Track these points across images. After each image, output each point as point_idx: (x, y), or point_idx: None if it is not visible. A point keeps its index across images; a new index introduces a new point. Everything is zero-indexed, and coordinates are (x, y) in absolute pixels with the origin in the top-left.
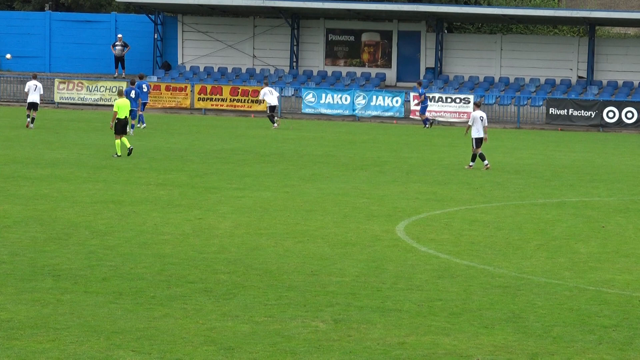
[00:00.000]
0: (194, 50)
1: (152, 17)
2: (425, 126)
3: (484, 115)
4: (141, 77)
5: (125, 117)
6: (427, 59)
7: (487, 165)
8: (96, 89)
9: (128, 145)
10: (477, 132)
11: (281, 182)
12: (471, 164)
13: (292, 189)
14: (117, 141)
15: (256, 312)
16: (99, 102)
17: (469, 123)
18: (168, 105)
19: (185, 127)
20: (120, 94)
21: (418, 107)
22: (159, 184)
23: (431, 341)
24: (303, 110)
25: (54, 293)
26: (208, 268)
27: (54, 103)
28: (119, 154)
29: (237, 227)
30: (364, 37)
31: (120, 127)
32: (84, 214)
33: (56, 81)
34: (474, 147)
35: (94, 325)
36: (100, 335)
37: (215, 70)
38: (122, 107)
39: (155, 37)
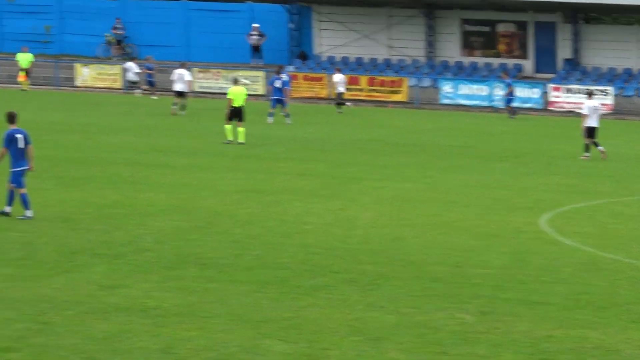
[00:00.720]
0: (329, 40)
1: (287, 6)
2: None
3: (598, 105)
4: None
5: (241, 105)
6: (564, 50)
7: (602, 151)
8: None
9: (240, 139)
10: (592, 121)
11: (421, 173)
12: (586, 154)
13: (432, 180)
14: (228, 126)
15: (401, 303)
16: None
17: (585, 112)
18: (306, 95)
19: (323, 117)
20: (235, 81)
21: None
22: (299, 173)
23: (579, 335)
24: (441, 101)
25: (200, 281)
26: (352, 258)
27: (193, 92)
28: (230, 138)
29: (379, 218)
30: (499, 28)
31: (233, 114)
32: (227, 203)
33: (195, 70)
34: (587, 136)
35: (241, 314)
36: (247, 324)
37: (352, 60)
38: (237, 95)
39: (291, 26)
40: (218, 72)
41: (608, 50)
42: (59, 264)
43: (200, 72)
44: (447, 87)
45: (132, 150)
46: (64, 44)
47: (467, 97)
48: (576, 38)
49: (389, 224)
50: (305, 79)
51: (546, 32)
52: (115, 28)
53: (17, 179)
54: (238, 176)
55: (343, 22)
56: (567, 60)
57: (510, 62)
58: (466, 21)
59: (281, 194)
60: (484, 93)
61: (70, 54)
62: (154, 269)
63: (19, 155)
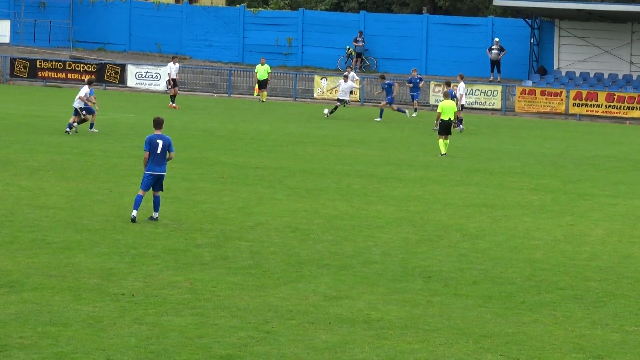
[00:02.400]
0: (570, 55)
1: (529, 21)
2: None
3: None
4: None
5: (450, 118)
6: None
7: None
8: (471, 92)
9: (443, 151)
10: None
11: None
12: None
13: None
14: (441, 141)
15: (627, 321)
16: (474, 106)
17: None
18: (542, 110)
19: (559, 133)
20: (445, 95)
21: None
22: (531, 188)
23: None
24: None
25: (424, 294)
26: (578, 275)
27: (429, 105)
28: (443, 152)
29: (609, 235)
30: None
31: (444, 128)
32: (456, 217)
33: (432, 84)
34: None
35: (463, 327)
36: (469, 338)
37: (591, 75)
38: (446, 108)
39: (532, 41)
40: (455, 85)
41: None
42: (285, 274)
43: (436, 85)
44: None
45: (366, 162)
46: (305, 56)
47: None
48: None
49: (619, 241)
50: (542, 94)
51: None
52: (356, 41)
53: (144, 182)
54: (470, 190)
55: (584, 38)
56: None
57: None
58: None
59: (511, 208)
60: None
61: (310, 65)
62: (379, 281)
63: (156, 160)
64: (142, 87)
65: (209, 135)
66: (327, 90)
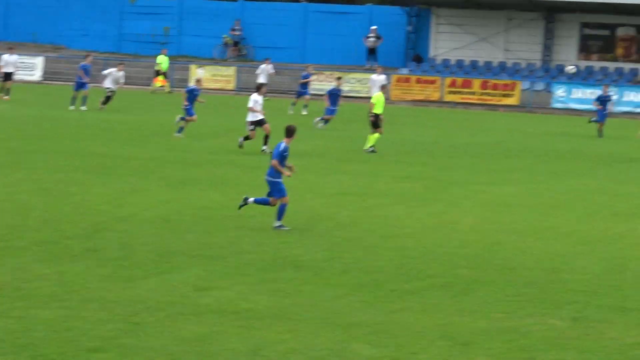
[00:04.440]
0: (446, 43)
1: (406, 9)
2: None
3: None
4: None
5: (379, 112)
6: None
7: None
8: (348, 80)
9: (370, 144)
10: None
11: (526, 177)
12: None
13: (537, 184)
14: (374, 135)
15: (493, 308)
16: (350, 94)
17: None
18: (417, 98)
19: (434, 121)
20: (382, 88)
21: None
22: (404, 176)
23: None
24: (553, 105)
25: (295, 284)
26: (448, 263)
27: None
28: (367, 146)
29: (480, 222)
30: (619, 32)
31: (374, 121)
32: (328, 206)
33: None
34: None
35: (332, 316)
36: (338, 327)
37: (467, 63)
38: (378, 101)
39: (408, 29)
40: (332, 74)
41: None
42: (156, 265)
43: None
44: (559, 91)
45: (241, 152)
46: (182, 46)
47: (580, 101)
48: None
49: (489, 228)
50: (418, 81)
51: None
52: (233, 29)
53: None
54: (342, 178)
55: (461, 25)
56: None
57: (627, 66)
58: (586, 25)
59: (383, 197)
60: None
61: (188, 55)
62: (250, 271)
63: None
64: (16, 77)
65: (81, 125)
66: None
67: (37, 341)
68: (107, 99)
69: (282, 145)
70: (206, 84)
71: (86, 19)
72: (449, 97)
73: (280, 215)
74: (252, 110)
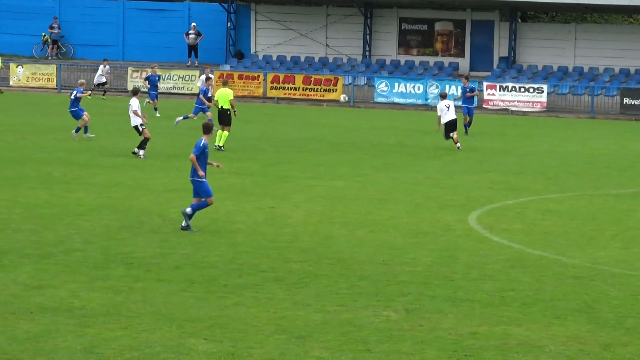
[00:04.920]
0: (267, 39)
1: (226, 5)
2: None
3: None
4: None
5: (222, 106)
6: (500, 49)
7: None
8: (169, 77)
9: (220, 143)
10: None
11: (354, 171)
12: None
13: (365, 178)
14: (219, 132)
15: (328, 301)
16: (172, 91)
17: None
18: (241, 94)
19: (258, 116)
20: (224, 83)
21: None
22: (232, 172)
23: (503, 331)
24: (376, 100)
25: (127, 281)
26: (280, 257)
27: (127, 92)
28: (216, 144)
29: (310, 216)
30: (437, 27)
31: (221, 117)
32: (158, 202)
33: (129, 69)
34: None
35: (166, 313)
36: (172, 324)
37: (288, 59)
38: (221, 96)
39: (229, 25)
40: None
41: (544, 48)
42: None
43: (134, 71)
44: (382, 86)
45: (66, 150)
46: (0, 44)
47: (402, 95)
48: (513, 36)
49: (320, 222)
50: (240, 77)
51: (483, 30)
52: (51, 27)
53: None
54: (170, 175)
55: (281, 21)
56: (502, 59)
57: (447, 60)
58: (404, 20)
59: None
60: (419, 91)
61: (6, 53)
62: (81, 269)
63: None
64: None
65: None
66: None
67: None
68: None
69: (203, 142)
70: (26, 82)
71: None
72: (272, 93)
73: (192, 214)
74: (136, 114)
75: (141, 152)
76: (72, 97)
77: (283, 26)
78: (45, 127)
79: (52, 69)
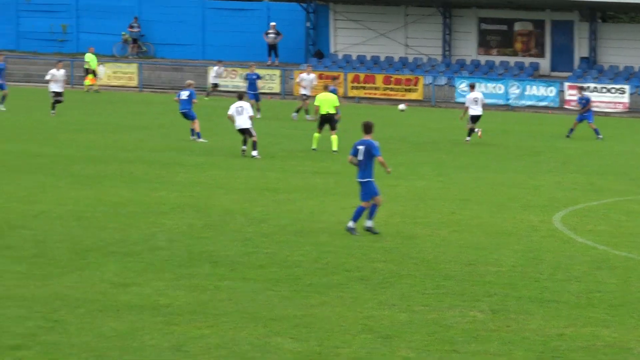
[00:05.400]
0: (346, 38)
1: (305, 5)
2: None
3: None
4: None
5: (328, 112)
6: (580, 49)
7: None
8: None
9: (334, 147)
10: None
11: (436, 170)
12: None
13: (447, 178)
14: (316, 134)
15: (413, 301)
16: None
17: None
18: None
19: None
20: (325, 87)
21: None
22: (314, 172)
23: (590, 333)
24: (456, 100)
25: (212, 279)
26: (364, 256)
27: (206, 91)
28: (314, 147)
29: (393, 216)
30: (517, 27)
31: (323, 122)
32: (240, 201)
33: (210, 68)
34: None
35: (252, 312)
36: (259, 322)
37: (368, 58)
38: (323, 101)
39: (308, 25)
40: (234, 70)
41: (625, 49)
42: (71, 262)
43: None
44: (462, 86)
45: (147, 148)
46: (80, 43)
47: (483, 95)
48: (593, 36)
49: (402, 222)
50: (320, 77)
51: (563, 30)
52: (131, 26)
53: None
54: (252, 174)
55: (360, 21)
56: (583, 59)
57: (527, 60)
58: (483, 20)
59: (295, 192)
60: (500, 92)
61: (86, 52)
62: (166, 267)
63: (360, 167)
64: None
65: None
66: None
67: None
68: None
69: (376, 142)
70: (108, 81)
71: None
72: (353, 92)
73: (357, 216)
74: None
75: (254, 152)
76: (184, 97)
77: (362, 26)
78: (127, 125)
79: (133, 67)
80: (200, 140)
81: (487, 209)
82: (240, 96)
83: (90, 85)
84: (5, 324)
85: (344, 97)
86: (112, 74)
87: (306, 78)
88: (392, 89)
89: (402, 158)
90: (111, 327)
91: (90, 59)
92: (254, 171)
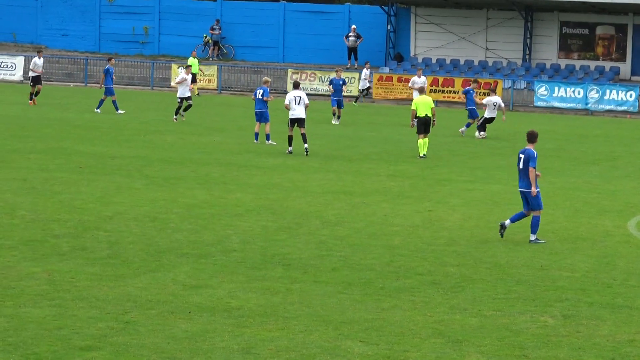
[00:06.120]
0: (426, 42)
1: (386, 8)
2: None
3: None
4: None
5: (426, 115)
6: None
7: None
8: (329, 79)
9: (423, 152)
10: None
11: (512, 175)
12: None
13: None
14: (419, 141)
15: (485, 306)
16: (329, 93)
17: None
18: (400, 97)
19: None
20: (421, 90)
21: None
22: (389, 175)
23: None
24: (535, 104)
25: (284, 282)
26: (437, 260)
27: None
28: (421, 155)
29: (467, 220)
30: (599, 31)
31: (420, 126)
32: (315, 204)
33: (289, 71)
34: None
35: (323, 314)
36: (329, 325)
37: (448, 62)
38: (421, 104)
39: (388, 28)
40: (313, 73)
41: None
42: (144, 264)
43: (294, 73)
44: (541, 90)
45: (224, 150)
46: (162, 45)
47: (562, 99)
48: None
49: (477, 226)
50: (399, 80)
51: None
52: (212, 29)
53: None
54: (328, 177)
55: (440, 24)
56: None
57: (608, 64)
58: (565, 24)
59: (370, 195)
60: (579, 96)
61: (167, 54)
62: (239, 269)
63: (520, 175)
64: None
65: (65, 124)
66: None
67: (28, 340)
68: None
69: (535, 153)
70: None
71: (65, 19)
72: (432, 96)
73: (534, 228)
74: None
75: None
76: (259, 96)
77: (443, 29)
78: (204, 127)
79: (212, 70)
80: (269, 142)
81: (562, 213)
82: (296, 85)
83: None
84: (77, 325)
85: None
86: None
87: (417, 81)
88: None
89: (478, 162)
90: (182, 329)
91: (192, 62)
92: (330, 174)
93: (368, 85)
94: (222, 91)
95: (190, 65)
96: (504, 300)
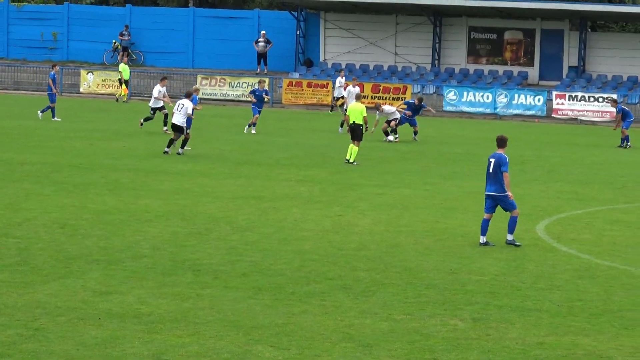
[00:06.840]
0: (336, 47)
1: (295, 14)
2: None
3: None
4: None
5: (354, 122)
6: (570, 58)
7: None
8: (238, 85)
9: (351, 158)
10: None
11: (421, 179)
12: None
13: (433, 186)
14: (350, 146)
15: (395, 310)
16: (241, 98)
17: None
18: (309, 102)
19: (326, 124)
20: (357, 97)
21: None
22: (299, 180)
23: (570, 342)
24: (444, 108)
25: (194, 287)
26: (347, 265)
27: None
28: (346, 158)
29: (377, 224)
30: (507, 35)
31: (352, 132)
32: (225, 209)
33: (199, 77)
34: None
35: (233, 320)
36: (240, 330)
37: (357, 67)
38: (352, 111)
39: (298, 33)
40: (223, 78)
41: (614, 58)
42: (54, 270)
43: (204, 78)
44: (450, 94)
45: (133, 156)
46: (71, 51)
47: (471, 104)
48: (583, 46)
49: (387, 230)
50: (309, 85)
51: (553, 39)
52: (122, 35)
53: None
54: (238, 182)
55: (350, 30)
56: (571, 68)
57: (516, 69)
58: (474, 29)
59: (280, 200)
60: (488, 100)
61: (77, 60)
62: (149, 275)
63: (487, 179)
64: None
65: None
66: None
67: None
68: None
69: (507, 157)
70: (96, 89)
71: None
72: (341, 101)
73: (512, 228)
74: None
75: (182, 149)
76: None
77: (352, 34)
78: (113, 133)
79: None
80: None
81: (471, 217)
82: (187, 94)
83: (121, 95)
84: None
85: (333, 106)
86: (101, 81)
87: (352, 91)
88: (380, 98)
89: (388, 166)
90: (92, 336)
91: (123, 69)
92: (240, 179)
93: (343, 93)
94: (131, 97)
95: (165, 77)
96: (414, 304)
